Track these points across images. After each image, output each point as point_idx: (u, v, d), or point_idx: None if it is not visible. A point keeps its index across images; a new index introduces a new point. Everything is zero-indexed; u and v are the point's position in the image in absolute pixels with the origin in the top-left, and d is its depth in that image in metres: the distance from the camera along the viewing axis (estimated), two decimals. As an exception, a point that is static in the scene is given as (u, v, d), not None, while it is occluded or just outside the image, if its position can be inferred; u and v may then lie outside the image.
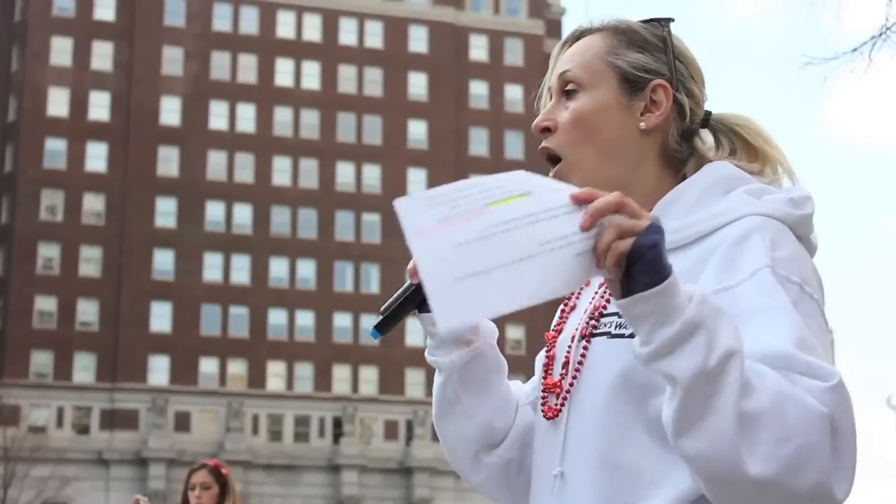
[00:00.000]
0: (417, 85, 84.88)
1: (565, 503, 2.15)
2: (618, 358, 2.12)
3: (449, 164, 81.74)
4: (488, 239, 1.87)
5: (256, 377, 78.59)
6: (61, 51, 79.84)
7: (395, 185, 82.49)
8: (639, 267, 1.86)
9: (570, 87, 2.24)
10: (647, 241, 1.86)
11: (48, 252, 77.36)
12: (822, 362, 1.96)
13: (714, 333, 1.87)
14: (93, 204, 78.56)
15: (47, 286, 76.73)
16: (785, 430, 1.88)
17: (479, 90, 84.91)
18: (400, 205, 1.86)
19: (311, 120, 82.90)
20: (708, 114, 2.24)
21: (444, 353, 2.31)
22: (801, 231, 2.14)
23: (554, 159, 2.24)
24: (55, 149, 78.68)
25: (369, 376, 79.26)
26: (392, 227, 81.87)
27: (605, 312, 2.18)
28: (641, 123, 2.20)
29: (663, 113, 2.21)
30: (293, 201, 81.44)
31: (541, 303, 1.88)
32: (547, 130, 2.24)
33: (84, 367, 76.53)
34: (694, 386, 1.87)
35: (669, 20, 2.26)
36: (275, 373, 79.15)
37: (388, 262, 79.26)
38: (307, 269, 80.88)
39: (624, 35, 2.22)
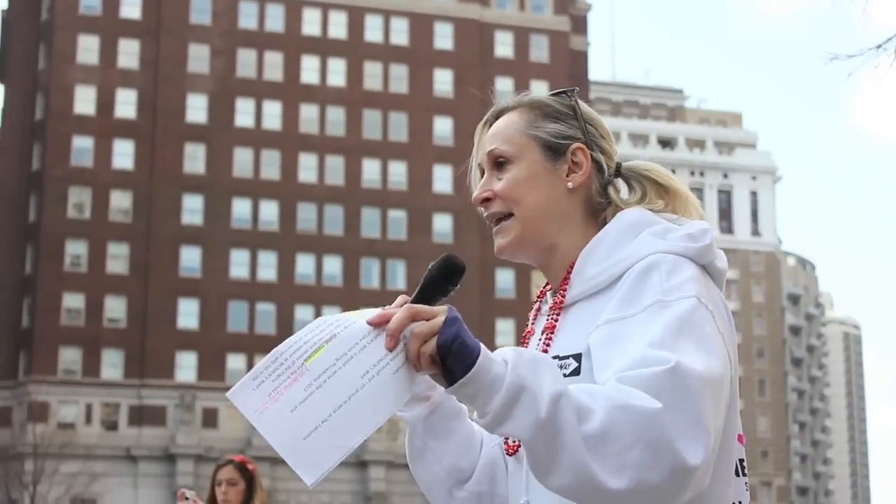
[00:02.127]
0: (443, 82, 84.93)
1: None
2: None
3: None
4: (315, 393, 2.15)
5: (283, 374, 78.81)
6: (88, 49, 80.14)
7: (420, 182, 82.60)
8: (450, 360, 2.15)
9: (499, 160, 2.52)
10: (448, 336, 2.16)
11: (76, 249, 77.68)
12: (666, 353, 2.18)
13: (537, 386, 2.14)
14: (120, 201, 78.84)
15: (75, 283, 77.05)
16: (624, 438, 2.11)
17: (504, 86, 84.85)
18: (233, 395, 2.17)
19: (336, 117, 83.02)
20: (619, 165, 2.52)
21: (408, 409, 2.64)
22: (703, 260, 2.40)
23: (500, 219, 2.53)
24: (82, 147, 78.98)
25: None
26: (418, 223, 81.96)
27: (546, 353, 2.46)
28: (568, 183, 2.50)
29: (585, 172, 2.50)
30: (319, 198, 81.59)
31: (380, 426, 2.18)
32: (487, 200, 2.54)
33: (112, 364, 76.85)
34: (537, 437, 2.12)
35: (574, 90, 2.52)
36: (301, 369, 79.39)
37: (413, 259, 79.35)
38: (333, 266, 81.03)
39: (538, 109, 2.49)
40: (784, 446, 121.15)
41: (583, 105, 2.56)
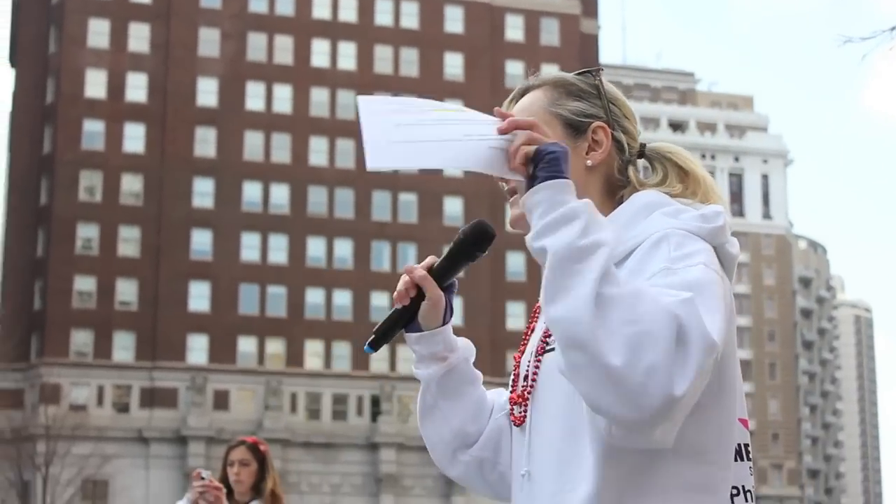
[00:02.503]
0: (453, 65, 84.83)
1: (531, 499, 2.48)
2: None
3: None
4: (424, 124, 2.38)
5: (294, 356, 78.92)
6: (98, 33, 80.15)
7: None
8: (540, 166, 2.32)
9: None
10: (549, 148, 2.33)
11: (87, 233, 77.79)
12: (686, 293, 2.25)
13: (591, 224, 2.26)
14: (131, 185, 78.92)
15: (86, 266, 77.18)
16: (632, 314, 2.18)
17: (514, 70, 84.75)
18: (362, 98, 2.42)
19: (347, 100, 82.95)
20: (643, 146, 2.56)
21: (424, 367, 2.71)
22: (715, 241, 2.45)
23: (515, 192, 2.58)
24: (93, 130, 79.04)
25: (407, 355, 79.35)
26: (428, 206, 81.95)
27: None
28: (588, 161, 2.56)
29: (605, 150, 2.55)
30: (330, 181, 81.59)
31: (447, 168, 2.39)
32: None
33: (123, 346, 77.00)
34: (563, 257, 2.22)
35: (599, 69, 2.58)
36: (313, 352, 79.45)
37: (424, 242, 79.33)
38: (344, 249, 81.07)
39: (562, 87, 2.55)
40: (795, 429, 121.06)
41: (607, 85, 2.62)
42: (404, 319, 2.64)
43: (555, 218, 2.27)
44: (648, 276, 2.34)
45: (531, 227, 2.30)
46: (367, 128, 2.36)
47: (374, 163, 2.33)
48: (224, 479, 7.06)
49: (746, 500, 2.47)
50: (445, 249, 2.62)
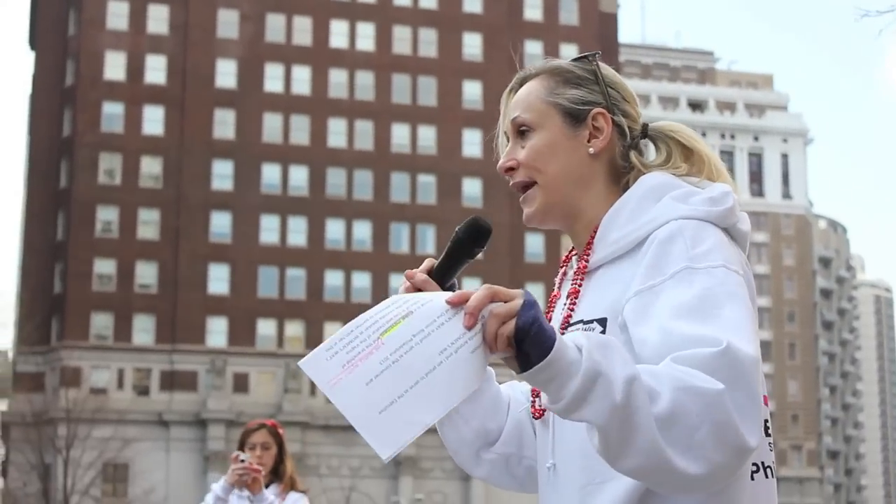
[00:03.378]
0: (472, 45, 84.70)
1: (557, 491, 2.47)
2: None
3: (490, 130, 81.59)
4: (391, 367, 2.13)
5: (313, 338, 78.97)
6: (117, 15, 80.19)
7: (450, 146, 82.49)
8: (527, 343, 2.13)
9: (522, 129, 2.55)
10: (527, 320, 2.13)
11: (106, 215, 77.93)
12: (716, 333, 2.22)
13: (611, 371, 2.14)
14: (150, 167, 79.02)
15: (106, 249, 77.34)
16: (691, 419, 2.14)
17: (533, 50, 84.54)
18: (305, 365, 2.16)
19: (366, 81, 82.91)
20: (645, 126, 2.52)
21: None
22: (726, 223, 2.43)
23: (525, 187, 2.55)
24: (112, 113, 79.13)
25: (426, 337, 79.36)
26: (447, 188, 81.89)
27: (571, 321, 2.49)
28: (590, 149, 2.53)
29: (606, 136, 2.52)
30: (349, 163, 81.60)
31: (456, 404, 2.17)
32: (511, 169, 2.57)
33: (143, 329, 77.17)
34: (612, 421, 2.13)
35: (595, 54, 2.54)
36: (332, 334, 79.01)
37: (443, 224, 79.31)
38: (363, 231, 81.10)
39: (559, 76, 2.51)
40: (814, 410, 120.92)
41: (605, 69, 2.59)
42: None
43: (578, 391, 2.13)
44: (670, 275, 2.33)
45: (549, 399, 2.18)
46: (346, 408, 2.13)
47: (387, 452, 2.13)
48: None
49: (766, 477, 2.44)
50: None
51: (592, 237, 2.51)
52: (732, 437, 2.15)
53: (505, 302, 2.16)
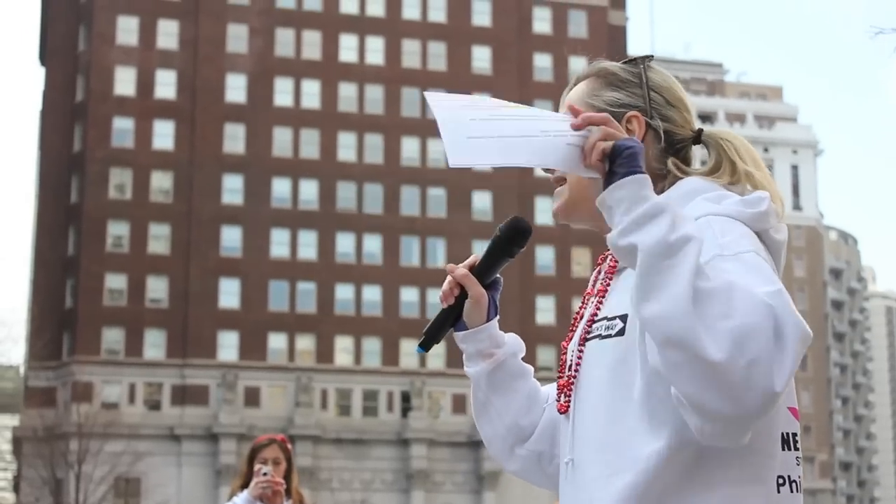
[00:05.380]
0: (481, 58, 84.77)
1: (575, 486, 2.49)
2: (607, 356, 2.45)
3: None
4: (499, 119, 2.36)
5: (324, 352, 79.02)
6: (127, 30, 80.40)
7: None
8: (618, 162, 2.28)
9: None
10: (625, 143, 2.30)
11: (117, 230, 78.05)
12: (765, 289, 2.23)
13: (678, 219, 2.22)
14: (161, 182, 79.15)
15: (117, 264, 77.45)
16: (729, 308, 2.16)
17: (542, 63, 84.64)
18: (430, 95, 2.41)
19: (375, 95, 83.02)
20: (699, 131, 2.56)
21: (473, 364, 2.73)
22: (758, 226, 2.44)
23: (562, 180, 2.64)
24: (123, 128, 79.30)
25: (437, 350, 79.34)
26: (457, 201, 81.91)
27: (596, 318, 2.52)
28: None
29: (637, 139, 2.48)
30: (359, 177, 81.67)
31: (528, 166, 2.38)
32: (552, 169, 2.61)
33: (154, 344, 77.24)
34: (655, 254, 2.19)
35: (648, 58, 2.59)
36: (343, 348, 79.54)
37: (453, 237, 79.32)
38: (373, 244, 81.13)
39: (603, 78, 2.56)
40: (827, 421, 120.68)
41: (655, 73, 2.63)
42: (451, 318, 2.67)
43: (641, 214, 2.23)
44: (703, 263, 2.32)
45: (612, 224, 2.28)
46: (444, 124, 2.33)
47: (455, 159, 2.31)
48: (250, 476, 7.09)
49: (792, 491, 2.43)
50: (477, 245, 2.60)
51: None
52: (759, 347, 2.14)
53: (616, 130, 2.34)
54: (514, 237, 2.58)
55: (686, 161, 2.61)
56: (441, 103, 2.38)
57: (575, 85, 2.67)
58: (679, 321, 2.15)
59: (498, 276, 2.67)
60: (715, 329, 2.13)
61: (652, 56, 2.65)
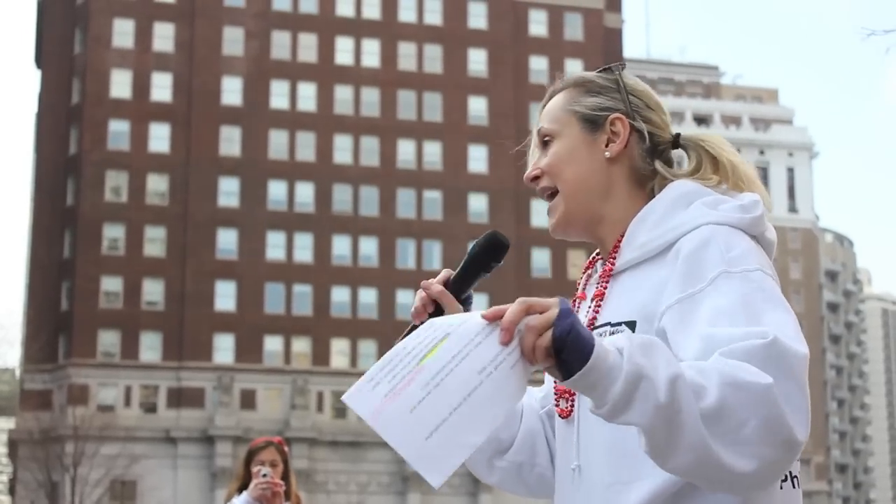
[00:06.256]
0: (477, 61, 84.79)
1: (585, 493, 2.47)
2: None
3: (509, 139, 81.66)
4: (433, 392, 2.13)
5: (320, 355, 79.01)
6: (123, 33, 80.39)
7: (455, 162, 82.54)
8: (566, 352, 2.12)
9: (545, 139, 2.63)
10: (563, 329, 2.12)
11: (113, 233, 78.03)
12: (762, 328, 2.24)
13: (653, 371, 2.14)
14: (156, 184, 79.13)
15: (113, 267, 77.42)
16: (739, 414, 2.14)
17: (538, 65, 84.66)
18: (349, 399, 2.17)
19: (371, 98, 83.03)
20: (677, 135, 2.56)
21: None
22: (755, 231, 2.47)
23: (552, 195, 2.61)
24: (118, 130, 79.28)
25: (433, 353, 79.29)
26: (453, 203, 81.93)
27: (596, 324, 2.51)
28: (606, 153, 2.57)
29: (623, 140, 2.56)
30: (355, 179, 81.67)
31: (499, 420, 2.15)
32: (537, 178, 2.63)
33: (150, 347, 77.21)
34: (657, 422, 2.14)
35: (619, 64, 2.58)
36: (339, 350, 79.53)
37: (449, 239, 79.35)
38: (369, 247, 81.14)
39: (581, 86, 2.56)
40: (822, 423, 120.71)
41: (629, 78, 2.64)
42: None
43: (620, 393, 2.12)
44: (709, 280, 2.35)
45: (594, 405, 2.17)
46: (391, 437, 2.13)
47: (438, 480, 2.12)
48: (247, 479, 7.10)
49: (794, 487, 2.46)
50: (462, 262, 2.59)
51: (619, 240, 2.55)
52: (782, 430, 2.15)
53: (540, 313, 2.15)
54: (491, 252, 2.53)
55: (668, 163, 2.63)
56: (364, 406, 2.16)
57: (551, 98, 2.67)
58: (709, 463, 2.16)
59: (470, 292, 2.62)
60: (737, 443, 2.16)
61: (624, 64, 2.66)
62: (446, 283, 2.60)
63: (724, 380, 2.15)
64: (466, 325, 2.19)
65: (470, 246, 2.60)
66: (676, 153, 2.66)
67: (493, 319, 2.18)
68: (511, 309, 2.17)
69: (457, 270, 2.59)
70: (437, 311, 2.59)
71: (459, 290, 2.59)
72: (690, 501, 2.34)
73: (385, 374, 2.18)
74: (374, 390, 2.17)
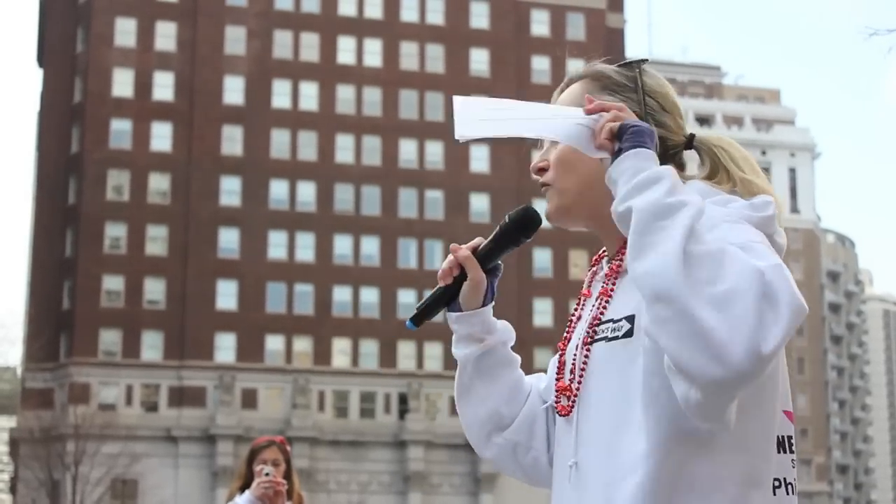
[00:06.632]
0: (479, 61, 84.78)
1: (579, 490, 2.48)
2: (615, 358, 2.45)
3: (512, 139, 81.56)
4: (514, 108, 2.46)
5: (322, 354, 79.02)
6: (125, 32, 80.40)
7: (457, 162, 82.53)
8: (625, 139, 2.36)
9: None
10: (633, 123, 2.37)
11: (115, 232, 78.04)
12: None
13: (678, 186, 2.27)
14: (158, 183, 79.14)
15: (115, 265, 77.43)
16: (720, 272, 2.18)
17: (540, 65, 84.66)
18: (458, 98, 2.47)
19: (373, 97, 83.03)
20: (691, 136, 2.55)
21: (462, 347, 2.73)
22: (765, 230, 2.44)
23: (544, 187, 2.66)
24: (120, 129, 79.29)
25: (434, 352, 79.46)
26: (455, 203, 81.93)
27: (601, 320, 2.52)
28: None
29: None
30: (356, 179, 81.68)
31: (536, 137, 2.48)
32: (542, 170, 2.65)
33: (152, 346, 77.23)
34: (650, 213, 2.23)
35: (642, 61, 2.59)
36: (340, 349, 79.53)
37: (451, 239, 79.25)
38: (371, 246, 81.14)
39: (598, 80, 2.57)
40: (824, 424, 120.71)
41: (650, 77, 2.65)
42: (446, 298, 2.67)
43: (641, 179, 2.29)
44: None
45: (616, 196, 2.33)
46: (459, 109, 2.45)
47: (462, 130, 2.41)
48: (250, 478, 7.10)
49: (788, 493, 2.45)
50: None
51: (626, 240, 2.52)
52: (746, 307, 2.15)
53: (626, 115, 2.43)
54: (523, 226, 2.59)
55: (680, 167, 2.61)
56: (464, 101, 2.49)
57: (568, 86, 2.69)
58: (668, 278, 2.18)
59: (499, 262, 2.68)
60: (702, 290, 2.16)
61: (646, 60, 2.66)
62: (475, 250, 2.65)
63: (724, 245, 2.23)
64: (570, 108, 2.51)
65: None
66: (689, 153, 2.65)
67: (596, 108, 2.44)
68: (611, 103, 2.45)
69: (488, 240, 2.64)
70: (462, 275, 2.66)
71: (486, 259, 2.64)
72: (682, 496, 2.33)
73: (496, 102, 2.50)
74: (481, 102, 2.49)
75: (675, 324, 2.17)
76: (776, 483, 2.41)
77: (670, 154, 2.59)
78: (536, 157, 2.68)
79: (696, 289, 2.16)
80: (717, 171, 2.58)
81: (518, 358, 2.77)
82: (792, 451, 2.48)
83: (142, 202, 78.33)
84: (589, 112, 2.42)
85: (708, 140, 2.62)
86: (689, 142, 2.62)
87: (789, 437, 2.47)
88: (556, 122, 2.43)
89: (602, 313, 2.53)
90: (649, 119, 2.57)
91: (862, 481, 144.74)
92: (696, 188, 2.51)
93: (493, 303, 2.71)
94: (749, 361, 2.15)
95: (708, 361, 2.15)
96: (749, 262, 2.20)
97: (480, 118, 2.42)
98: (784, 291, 2.20)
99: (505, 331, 2.75)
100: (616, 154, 2.35)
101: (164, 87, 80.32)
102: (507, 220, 2.59)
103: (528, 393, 2.75)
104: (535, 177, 2.67)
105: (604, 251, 2.66)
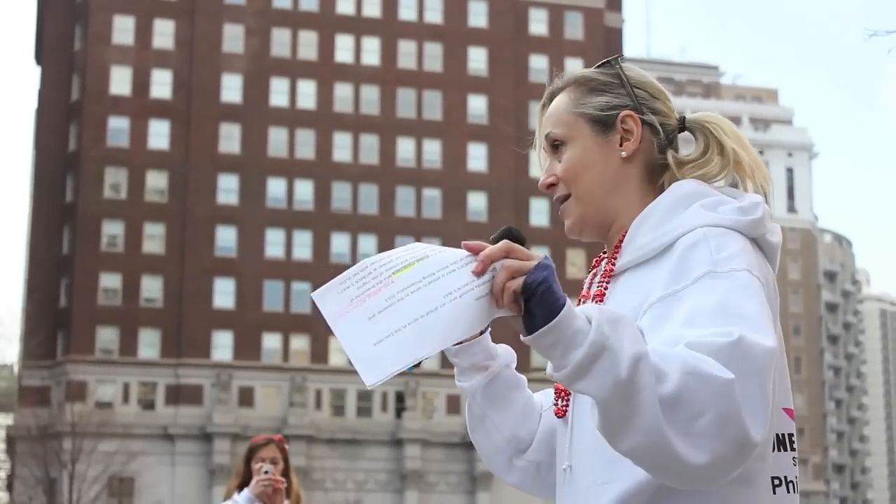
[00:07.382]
0: (477, 60, 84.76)
1: (572, 493, 2.46)
2: None
3: (509, 138, 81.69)
4: (395, 305, 2.18)
5: (319, 352, 79.01)
6: (123, 30, 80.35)
7: (455, 160, 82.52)
8: (533, 302, 2.13)
9: (555, 144, 2.58)
10: (537, 278, 2.15)
11: (112, 230, 78.02)
12: (729, 326, 2.20)
13: (618, 345, 2.12)
14: (156, 181, 79.11)
15: (112, 263, 77.40)
16: (696, 405, 2.12)
17: (538, 64, 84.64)
18: (317, 297, 2.23)
19: (371, 96, 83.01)
20: (682, 118, 2.52)
21: (467, 378, 2.67)
22: (754, 233, 2.42)
23: (562, 201, 2.59)
24: (118, 127, 79.26)
25: (431, 351, 79.27)
26: (452, 202, 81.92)
27: None
28: (622, 152, 2.53)
29: (637, 137, 2.53)
30: (354, 177, 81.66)
31: (444, 348, 2.21)
32: (552, 185, 2.59)
33: (149, 344, 77.20)
34: (614, 397, 2.11)
35: (617, 57, 2.53)
36: (337, 348, 79.47)
37: (448, 237, 79.25)
38: (368, 245, 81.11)
39: (584, 85, 2.51)
40: (820, 423, 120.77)
41: (630, 69, 2.60)
42: None
43: (581, 359, 2.12)
44: (693, 279, 2.32)
45: (553, 365, 2.16)
46: (344, 338, 2.19)
47: (371, 379, 2.17)
48: (248, 476, 7.09)
49: (788, 492, 2.42)
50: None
51: (621, 241, 2.52)
52: (736, 428, 2.12)
53: (520, 259, 2.19)
54: None
55: (675, 149, 2.59)
56: (329, 306, 2.24)
57: (551, 99, 2.63)
58: (658, 448, 2.13)
59: None
60: (691, 434, 2.13)
61: (622, 55, 2.62)
62: None
63: (686, 368, 2.13)
64: (447, 252, 2.26)
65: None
66: (683, 135, 2.63)
67: (475, 252, 2.24)
68: (494, 246, 2.22)
69: None
70: None
71: None
72: (663, 496, 2.31)
73: (356, 281, 2.24)
74: (343, 293, 2.23)
75: (680, 478, 2.19)
76: (776, 482, 2.40)
77: (670, 139, 2.58)
78: (541, 174, 2.65)
79: (684, 435, 2.13)
80: (710, 146, 2.56)
81: (524, 378, 2.73)
82: (793, 449, 2.47)
83: (139, 200, 78.30)
84: (478, 274, 2.20)
85: (700, 118, 2.60)
86: (682, 124, 2.61)
87: (790, 435, 2.46)
88: (454, 311, 2.17)
89: None
90: (644, 110, 2.54)
91: (858, 481, 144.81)
92: (685, 189, 2.49)
93: (490, 328, 2.60)
94: (745, 458, 2.19)
95: (687, 483, 2.20)
96: (715, 380, 2.14)
97: (374, 342, 2.16)
98: (752, 372, 2.18)
99: (506, 354, 2.70)
100: (526, 318, 2.16)
101: (161, 84, 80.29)
102: (490, 243, 2.51)
103: (541, 410, 2.72)
104: (546, 192, 2.63)
105: (604, 253, 2.63)
